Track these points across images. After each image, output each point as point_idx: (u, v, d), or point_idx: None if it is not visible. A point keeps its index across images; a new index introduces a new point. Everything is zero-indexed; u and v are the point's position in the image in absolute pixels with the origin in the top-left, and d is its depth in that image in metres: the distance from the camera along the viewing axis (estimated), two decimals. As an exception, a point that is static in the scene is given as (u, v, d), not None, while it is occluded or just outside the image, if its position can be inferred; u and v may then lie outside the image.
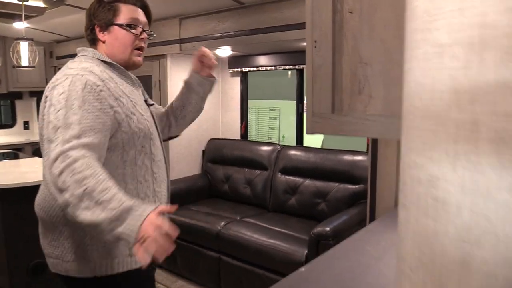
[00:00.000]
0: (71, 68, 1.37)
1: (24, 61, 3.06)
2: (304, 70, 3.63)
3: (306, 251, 2.59)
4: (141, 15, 1.53)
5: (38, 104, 5.71)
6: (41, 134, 1.33)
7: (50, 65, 5.26)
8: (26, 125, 5.70)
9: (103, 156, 1.29)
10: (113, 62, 1.46)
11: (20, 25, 4.09)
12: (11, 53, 3.08)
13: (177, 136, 1.96)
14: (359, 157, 3.09)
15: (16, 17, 3.58)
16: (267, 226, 3.04)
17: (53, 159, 1.18)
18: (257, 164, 3.64)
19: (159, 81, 3.78)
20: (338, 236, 2.51)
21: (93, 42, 1.50)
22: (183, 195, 3.67)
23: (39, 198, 1.55)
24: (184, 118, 1.88)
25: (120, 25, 1.45)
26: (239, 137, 4.12)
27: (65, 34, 4.72)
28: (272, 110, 8.93)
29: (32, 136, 5.53)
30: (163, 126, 1.80)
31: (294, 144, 3.88)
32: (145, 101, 1.57)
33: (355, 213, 2.80)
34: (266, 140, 9.06)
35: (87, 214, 1.13)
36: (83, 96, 1.27)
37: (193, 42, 3.37)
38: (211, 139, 4.13)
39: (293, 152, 3.44)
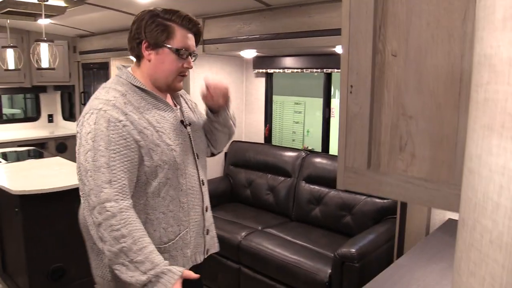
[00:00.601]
0: (97, 98, 1.39)
1: (45, 63, 3.01)
2: (332, 74, 3.46)
3: (330, 271, 2.47)
4: (192, 41, 1.47)
5: (62, 97, 5.73)
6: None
7: (74, 60, 5.23)
8: (50, 119, 5.73)
9: (132, 190, 1.36)
10: (146, 88, 1.43)
11: (44, 21, 4.05)
12: (31, 54, 3.03)
13: (220, 152, 1.87)
14: (389, 170, 2.91)
15: (38, 15, 3.53)
16: (289, 239, 2.92)
17: (91, 208, 1.29)
18: (280, 171, 3.51)
19: (182, 82, 3.67)
20: (364, 258, 2.37)
21: (137, 57, 1.46)
22: (204, 200, 3.59)
23: (81, 216, 1.56)
24: (216, 141, 1.76)
25: (171, 49, 1.40)
26: (262, 140, 4.00)
27: (88, 29, 4.66)
28: (297, 104, 8.76)
29: (56, 129, 5.55)
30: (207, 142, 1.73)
31: (320, 148, 3.74)
32: (182, 121, 1.52)
33: (382, 231, 2.65)
34: (290, 134, 8.93)
35: (122, 269, 1.27)
36: (108, 136, 1.31)
37: (216, 44, 3.24)
38: (234, 141, 4.02)
39: (318, 160, 3.30)
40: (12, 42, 4.59)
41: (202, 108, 1.72)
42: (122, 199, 1.30)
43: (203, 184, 1.60)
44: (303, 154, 3.45)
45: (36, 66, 3.07)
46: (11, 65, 3.88)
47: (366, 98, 0.90)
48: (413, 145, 0.86)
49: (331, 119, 3.58)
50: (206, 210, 1.62)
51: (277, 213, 3.47)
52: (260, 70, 3.83)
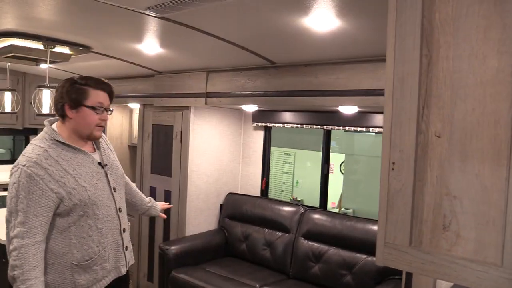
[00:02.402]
0: (23, 155, 1.73)
1: (45, 109, 2.99)
2: (332, 131, 3.52)
3: (333, 335, 2.38)
4: (105, 99, 1.84)
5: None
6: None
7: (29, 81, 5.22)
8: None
9: (46, 229, 1.71)
10: (66, 142, 1.78)
11: (44, 66, 4.07)
12: (32, 100, 3.01)
13: None
14: (390, 229, 2.90)
15: (41, 61, 3.55)
16: (289, 298, 2.84)
17: (9, 241, 1.69)
18: (278, 225, 3.47)
19: (181, 132, 3.68)
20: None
21: (62, 116, 1.81)
22: (199, 253, 3.50)
23: None
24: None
25: (88, 107, 1.78)
26: (258, 193, 3.97)
27: (88, 75, 4.69)
28: (287, 154, 8.81)
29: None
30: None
31: (310, 201, 3.73)
32: (99, 163, 1.90)
33: (386, 292, 2.60)
34: (279, 184, 8.90)
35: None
36: (28, 187, 1.67)
37: (220, 97, 3.29)
38: (230, 193, 3.99)
39: (317, 216, 3.28)
40: (12, 84, 4.59)
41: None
42: (27, 237, 1.65)
43: (120, 211, 1.96)
44: (302, 209, 3.42)
45: (36, 111, 3.04)
46: (8, 108, 3.84)
47: (409, 176, 0.91)
48: (457, 224, 0.87)
49: (330, 175, 3.59)
50: (124, 231, 1.98)
51: (274, 270, 3.39)
52: (260, 124, 3.88)
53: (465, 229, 0.86)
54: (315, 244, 3.19)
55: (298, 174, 8.52)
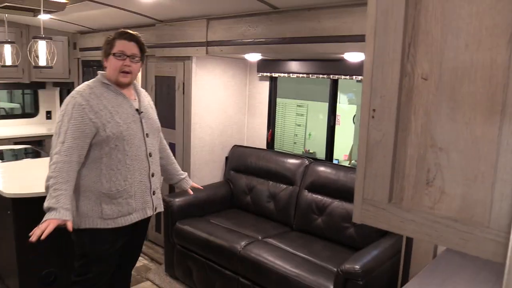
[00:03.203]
0: (74, 91, 2.08)
1: (42, 61, 2.90)
2: (339, 81, 3.36)
3: (332, 287, 2.37)
4: (128, 48, 2.09)
5: (61, 94, 5.63)
6: None
7: (74, 57, 5.13)
8: (48, 115, 5.63)
9: (82, 154, 2.00)
10: (109, 83, 2.10)
11: (43, 17, 3.95)
12: (28, 52, 2.92)
13: None
14: (395, 182, 2.82)
15: (37, 11, 3.43)
16: (290, 250, 2.82)
17: (51, 157, 2.00)
18: (282, 178, 3.42)
19: (183, 83, 3.57)
20: (368, 275, 2.28)
21: (104, 68, 2.14)
22: (203, 204, 3.50)
23: None
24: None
25: (112, 54, 2.07)
26: (264, 145, 3.90)
27: (89, 26, 4.56)
28: (299, 106, 8.65)
29: (54, 126, 5.44)
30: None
31: (322, 153, 3.65)
32: (137, 109, 2.17)
33: (387, 246, 2.55)
34: (292, 137, 8.82)
35: (47, 195, 1.94)
36: (71, 113, 1.98)
37: (220, 46, 3.14)
38: (235, 145, 3.92)
39: (322, 168, 3.20)
40: (11, 37, 4.49)
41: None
42: (64, 155, 1.94)
43: (151, 156, 2.19)
44: (306, 161, 3.35)
45: (33, 63, 2.96)
46: (8, 61, 3.77)
47: (390, 125, 0.80)
48: (442, 180, 0.77)
49: (336, 126, 3.47)
50: (153, 176, 2.21)
51: (277, 222, 3.37)
52: (265, 74, 3.73)
53: (450, 185, 0.76)
54: (319, 197, 3.14)
55: (310, 126, 8.41)
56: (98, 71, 2.15)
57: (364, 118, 0.83)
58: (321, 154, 7.68)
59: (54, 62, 3.04)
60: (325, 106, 8.15)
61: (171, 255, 3.39)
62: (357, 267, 2.25)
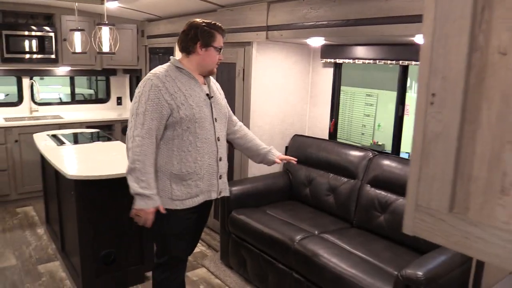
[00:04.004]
0: (150, 73, 2.11)
1: (105, 47, 2.96)
2: (409, 67, 3.07)
3: (391, 292, 2.17)
4: (222, 42, 2.20)
5: (130, 81, 5.82)
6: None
7: (142, 44, 5.26)
8: (119, 101, 5.86)
9: (159, 135, 2.06)
10: (184, 68, 2.14)
11: (111, 4, 4.05)
12: (92, 38, 2.99)
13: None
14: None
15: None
16: (348, 248, 2.65)
17: (129, 138, 2.02)
18: (344, 170, 3.22)
19: (243, 70, 3.49)
20: (432, 283, 2.05)
21: (188, 50, 2.16)
22: (261, 195, 3.42)
23: None
24: (237, 148, 2.62)
25: (215, 48, 2.16)
26: (326, 136, 3.71)
27: (155, 13, 4.63)
28: (369, 95, 8.24)
29: (124, 111, 5.66)
30: (227, 132, 2.41)
31: (390, 145, 3.39)
32: (207, 94, 2.19)
33: (456, 252, 2.28)
34: (360, 128, 8.44)
35: (130, 178, 2.02)
36: (148, 95, 2.02)
37: (281, 31, 3.00)
38: (296, 135, 3.78)
39: (387, 162, 2.96)
40: (84, 25, 4.69)
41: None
42: (147, 137, 1.99)
43: (219, 140, 2.21)
44: (370, 154, 3.12)
45: (97, 50, 3.03)
46: (78, 48, 3.93)
47: (455, 114, 0.63)
48: (523, 187, 0.58)
49: (405, 117, 3.20)
50: (220, 160, 2.23)
51: (336, 217, 3.20)
52: (328, 60, 3.53)
53: (535, 195, 0.57)
54: (382, 193, 2.91)
55: (379, 117, 7.98)
56: (171, 56, 2.20)
57: (420, 105, 0.67)
58: (390, 146, 7.30)
59: (117, 48, 3.09)
60: (395, 95, 7.69)
61: (226, 244, 3.35)
62: (420, 273, 2.03)
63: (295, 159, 2.58)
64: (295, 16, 2.85)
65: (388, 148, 7.34)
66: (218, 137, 2.21)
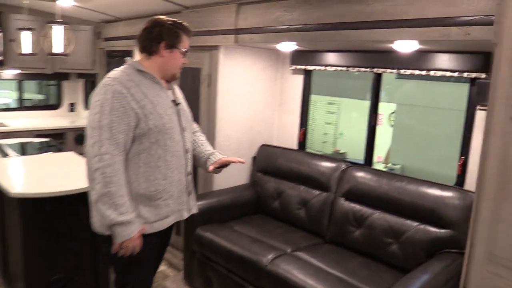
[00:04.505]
0: (108, 77, 1.81)
1: (57, 48, 2.65)
2: (383, 75, 2.98)
3: (374, 316, 2.02)
4: (188, 45, 1.97)
5: (86, 86, 5.45)
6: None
7: (98, 47, 4.92)
8: (72, 108, 5.45)
9: (127, 149, 1.78)
10: (146, 71, 1.87)
11: (66, 3, 3.73)
12: (41, 38, 2.68)
13: None
14: (449, 193, 2.43)
15: (56, -5, 3.20)
16: (324, 267, 2.48)
17: (93, 156, 1.72)
18: (315, 183, 3.07)
19: (209, 76, 3.27)
20: (420, 306, 1.91)
21: (150, 51, 1.90)
22: (227, 209, 3.20)
23: None
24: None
25: (180, 51, 1.92)
26: (295, 146, 3.56)
27: (113, 14, 4.32)
28: (330, 104, 8.23)
29: (77, 119, 5.27)
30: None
31: (355, 154, 3.29)
32: (173, 101, 1.96)
33: (439, 270, 2.18)
34: (321, 136, 8.41)
35: (103, 206, 1.72)
36: (112, 103, 1.73)
37: (251, 34, 2.82)
38: (264, 145, 3.60)
39: (361, 174, 2.83)
40: (36, 25, 4.29)
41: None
42: (117, 154, 1.73)
43: (187, 153, 1.99)
44: (343, 165, 2.98)
45: (45, 50, 2.71)
46: (27, 49, 3.56)
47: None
48: None
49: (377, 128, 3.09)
50: (189, 175, 2.03)
51: (308, 232, 3.03)
52: (298, 67, 3.39)
53: None
54: (357, 206, 2.77)
55: (342, 125, 7.97)
56: (126, 58, 1.95)
57: (497, 122, 0.49)
58: (352, 154, 7.28)
59: (71, 49, 2.78)
60: (358, 103, 7.70)
61: (190, 262, 3.10)
62: (407, 296, 1.89)
63: (242, 160, 2.18)
64: (267, 19, 2.68)
65: (350, 156, 7.33)
66: (187, 149, 1.99)
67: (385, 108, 7.13)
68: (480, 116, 2.37)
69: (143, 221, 1.84)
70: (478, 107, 1.95)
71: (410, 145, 4.90)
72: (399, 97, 5.05)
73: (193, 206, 2.12)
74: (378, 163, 6.33)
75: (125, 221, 1.73)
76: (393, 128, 5.22)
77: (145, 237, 1.86)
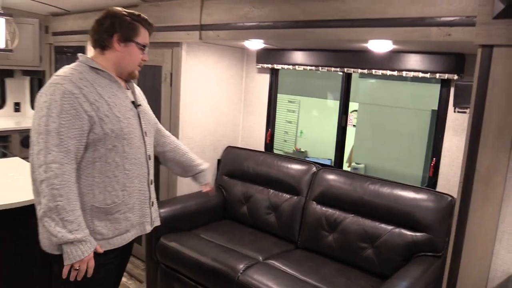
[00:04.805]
0: (56, 75, 1.60)
1: (0, 43, 2.36)
2: (353, 74, 2.91)
3: (354, 327, 1.93)
4: (148, 39, 1.78)
5: (32, 84, 5.04)
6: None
7: (46, 42, 4.55)
8: (17, 107, 5.02)
9: (79, 157, 1.57)
10: (101, 68, 1.66)
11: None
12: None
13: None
14: (423, 196, 2.39)
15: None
16: (298, 276, 2.37)
17: (38, 166, 1.51)
18: (285, 186, 2.96)
19: (171, 74, 3.07)
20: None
21: (103, 45, 1.70)
22: (193, 216, 3.01)
23: None
24: (165, 164, 2.18)
25: (137, 44, 1.72)
26: (262, 148, 3.43)
27: (62, 7, 3.99)
28: (291, 102, 8.19)
29: (23, 119, 4.87)
30: (154, 144, 1.97)
31: (315, 151, 3.21)
32: (133, 102, 1.76)
33: (418, 276, 2.12)
34: (282, 134, 8.35)
35: (50, 223, 1.50)
36: (61, 105, 1.52)
37: (217, 31, 2.65)
38: (230, 147, 3.44)
39: (333, 177, 2.75)
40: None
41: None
42: (66, 163, 1.51)
43: (150, 159, 1.80)
44: (314, 168, 2.89)
45: (-14, 46, 2.42)
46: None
47: None
48: None
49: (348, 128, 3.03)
50: (151, 184, 1.83)
51: (279, 237, 2.92)
52: (265, 65, 3.26)
53: None
54: (330, 210, 2.69)
55: (302, 124, 7.96)
56: (79, 54, 1.71)
57: None
58: (313, 153, 7.27)
59: (15, 45, 2.49)
60: (318, 102, 7.67)
61: (154, 274, 2.90)
62: (390, 306, 1.81)
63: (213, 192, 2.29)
64: (234, 15, 2.53)
65: (312, 155, 7.32)
66: (149, 155, 1.80)
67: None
68: (454, 117, 2.35)
69: (99, 237, 1.64)
70: (457, 109, 1.91)
71: (373, 144, 4.92)
72: (361, 96, 5.04)
73: (156, 218, 1.93)
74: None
75: (76, 240, 1.51)
76: (356, 127, 5.22)
77: (102, 256, 1.64)
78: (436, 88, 2.56)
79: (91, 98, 1.57)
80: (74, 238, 1.51)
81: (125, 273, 3.31)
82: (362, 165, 4.81)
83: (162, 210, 2.83)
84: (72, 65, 1.66)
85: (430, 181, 2.58)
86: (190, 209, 3.01)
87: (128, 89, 1.79)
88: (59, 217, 1.49)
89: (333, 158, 3.10)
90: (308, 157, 7.18)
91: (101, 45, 1.70)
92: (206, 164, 2.18)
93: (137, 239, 3.40)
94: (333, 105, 7.39)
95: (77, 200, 1.54)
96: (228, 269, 2.40)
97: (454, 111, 1.94)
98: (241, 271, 2.37)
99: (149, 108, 1.94)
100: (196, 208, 3.06)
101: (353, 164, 5.03)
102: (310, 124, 7.58)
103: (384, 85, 4.77)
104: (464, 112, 1.90)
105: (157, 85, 3.20)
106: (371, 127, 5.00)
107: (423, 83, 4.33)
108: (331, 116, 7.01)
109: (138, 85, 3.32)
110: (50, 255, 1.65)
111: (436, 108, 2.57)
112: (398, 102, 4.40)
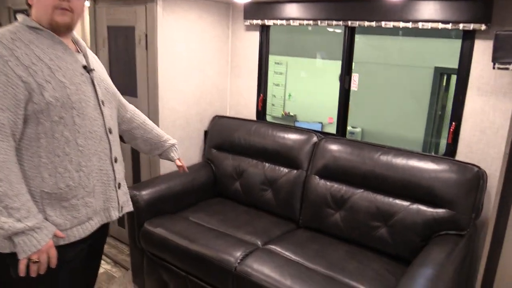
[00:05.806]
0: None
1: None
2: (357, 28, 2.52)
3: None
4: None
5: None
6: None
7: (4, 5, 4.00)
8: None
9: (17, 132, 1.33)
10: (40, 27, 1.41)
11: None
12: None
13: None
14: (443, 166, 2.09)
15: None
16: (305, 263, 2.07)
17: None
18: (282, 159, 2.63)
19: (146, 35, 2.64)
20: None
21: (29, 5, 1.45)
22: (179, 196, 2.68)
23: None
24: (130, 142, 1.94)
25: None
26: (254, 116, 3.07)
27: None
28: (277, 64, 7.76)
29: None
30: (118, 121, 1.72)
31: (304, 114, 2.88)
32: (85, 67, 1.51)
33: (442, 259, 1.84)
34: (269, 98, 7.98)
35: None
36: None
37: (198, -20, 2.22)
38: (217, 116, 3.07)
39: (338, 147, 2.42)
40: None
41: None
42: (0, 140, 1.28)
43: (111, 133, 1.56)
44: (315, 137, 2.56)
45: None
46: None
47: None
48: None
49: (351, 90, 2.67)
50: (116, 161, 1.59)
51: (277, 216, 2.61)
52: (254, 22, 2.84)
53: None
54: (335, 185, 2.38)
55: (290, 87, 7.58)
56: (18, 14, 1.45)
57: None
58: (303, 117, 6.94)
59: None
60: (307, 62, 7.24)
61: (139, 261, 2.59)
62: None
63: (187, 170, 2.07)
64: (218, -42, 2.09)
65: (301, 119, 7.00)
66: (109, 128, 1.55)
67: (332, 67, 6.78)
68: (479, 75, 2.01)
69: (52, 230, 1.38)
70: (497, 65, 1.59)
71: (370, 106, 4.59)
72: (357, 54, 4.67)
73: (126, 203, 1.68)
74: (331, 125, 6.04)
75: (28, 229, 1.29)
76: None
77: (60, 253, 1.39)
78: (438, 43, 2.23)
79: (26, 61, 1.32)
80: (24, 227, 1.29)
81: (109, 260, 3.01)
82: (358, 129, 4.50)
83: (144, 192, 2.49)
84: (8, 26, 1.40)
85: (449, 148, 2.27)
86: (176, 189, 2.67)
87: (79, 52, 1.53)
88: (1, 205, 1.26)
89: (324, 121, 2.77)
90: (297, 121, 6.88)
91: (27, 4, 1.44)
92: (174, 140, 2.01)
93: (119, 221, 3.09)
94: (322, 65, 7.00)
95: (21, 183, 1.31)
96: (223, 258, 2.10)
97: (494, 68, 1.61)
98: (238, 261, 2.07)
99: (108, 77, 1.67)
100: (182, 187, 2.72)
101: (348, 128, 4.72)
102: (299, 87, 7.21)
103: (382, 42, 4.39)
104: (507, 69, 1.58)
105: (130, 49, 2.77)
106: (368, 88, 4.66)
107: (423, 38, 3.98)
108: (321, 78, 6.64)
109: (109, 49, 2.91)
110: (3, 258, 1.37)
111: (440, 65, 2.24)
112: (397, 60, 4.05)
